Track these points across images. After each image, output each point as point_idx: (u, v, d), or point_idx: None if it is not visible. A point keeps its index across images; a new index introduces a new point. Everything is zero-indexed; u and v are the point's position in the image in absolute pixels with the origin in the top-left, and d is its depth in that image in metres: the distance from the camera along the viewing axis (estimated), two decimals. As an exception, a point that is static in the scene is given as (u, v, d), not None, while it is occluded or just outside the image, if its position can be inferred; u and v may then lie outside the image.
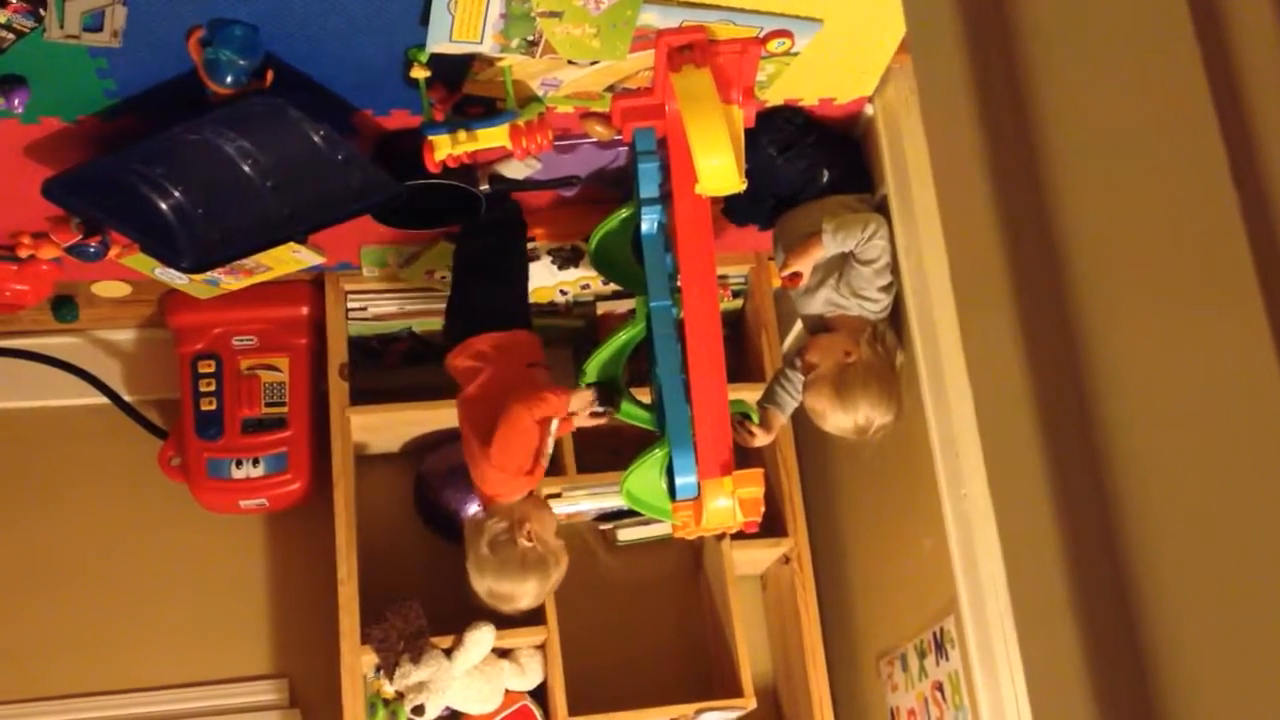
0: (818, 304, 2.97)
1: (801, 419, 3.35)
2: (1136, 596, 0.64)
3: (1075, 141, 0.69)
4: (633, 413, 3.05)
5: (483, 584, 2.99)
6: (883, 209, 2.98)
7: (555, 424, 3.07)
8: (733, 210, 3.24)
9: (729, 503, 2.76)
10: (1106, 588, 0.65)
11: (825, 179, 3.03)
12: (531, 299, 3.41)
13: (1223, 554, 0.59)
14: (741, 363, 3.76)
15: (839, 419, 2.87)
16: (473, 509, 3.61)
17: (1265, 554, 0.56)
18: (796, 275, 2.95)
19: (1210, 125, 0.55)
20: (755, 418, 3.13)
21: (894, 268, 2.89)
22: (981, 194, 0.72)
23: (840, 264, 2.91)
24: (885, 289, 2.89)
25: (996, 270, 0.71)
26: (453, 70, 2.65)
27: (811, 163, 3.02)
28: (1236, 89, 0.55)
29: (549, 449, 3.06)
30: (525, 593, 2.99)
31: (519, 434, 2.90)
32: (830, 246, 2.87)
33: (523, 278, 3.27)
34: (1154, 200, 0.62)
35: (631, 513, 3.47)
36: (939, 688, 2.96)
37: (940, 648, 2.93)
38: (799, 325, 3.26)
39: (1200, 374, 0.59)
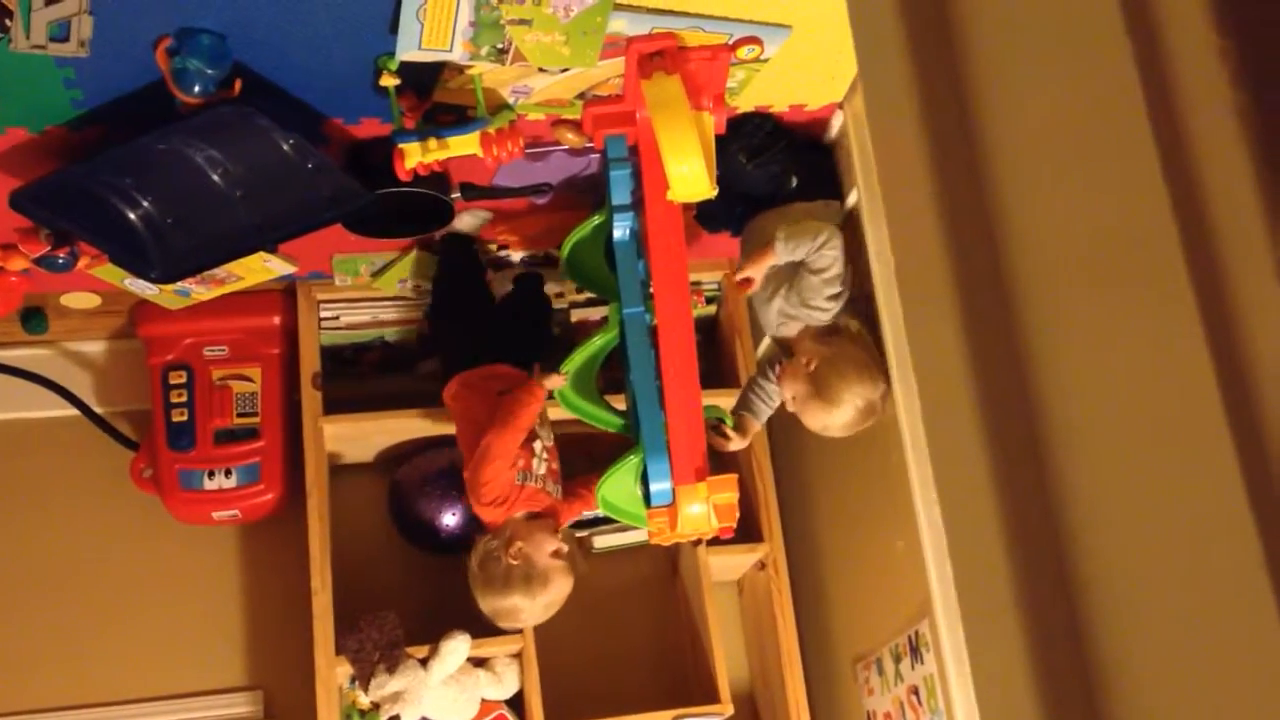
0: (772, 314, 2.99)
1: (775, 424, 3.36)
2: (1079, 590, 0.66)
3: (1015, 145, 0.70)
4: (607, 419, 3.05)
5: (479, 602, 3.08)
6: (851, 215, 2.99)
7: (540, 446, 3.10)
8: (705, 217, 3.25)
9: (704, 508, 2.77)
10: (1050, 583, 0.66)
11: (794, 184, 3.04)
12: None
13: (1159, 548, 0.60)
14: (716, 369, 3.76)
15: (840, 417, 2.86)
16: (448, 518, 3.61)
17: (1200, 547, 0.57)
18: (748, 280, 2.97)
19: (1143, 128, 0.57)
20: (730, 423, 3.14)
21: (845, 278, 2.89)
22: (926, 196, 0.73)
23: (792, 274, 2.92)
24: (834, 298, 2.89)
25: (940, 271, 0.72)
26: (423, 78, 2.65)
27: (782, 169, 3.03)
28: (1167, 93, 0.57)
29: (538, 469, 3.09)
30: (512, 608, 3.05)
31: (490, 464, 2.98)
32: (782, 254, 2.88)
33: (478, 312, 3.33)
34: (1091, 200, 0.64)
35: (607, 520, 3.47)
36: (915, 691, 2.96)
37: (915, 651, 2.93)
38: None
39: (1136, 366, 0.60)
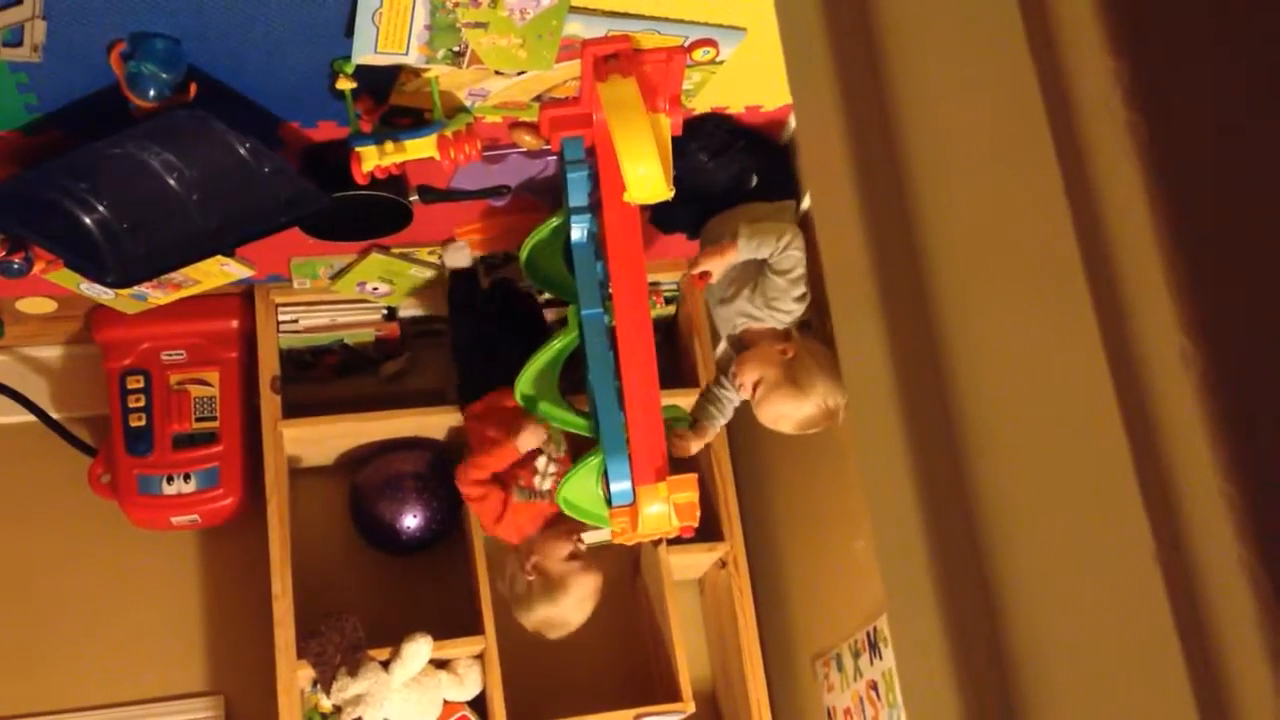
0: (733, 315, 2.97)
1: (735, 424, 3.38)
2: (992, 574, 0.69)
3: (931, 157, 0.73)
4: (568, 420, 3.06)
5: (520, 621, 3.21)
6: (807, 218, 3.00)
7: (545, 462, 3.13)
8: (661, 218, 3.26)
9: (664, 508, 2.77)
10: (966, 568, 0.69)
11: (753, 184, 3.04)
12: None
13: (1062, 535, 0.64)
14: (675, 369, 3.78)
15: (803, 410, 2.81)
16: (408, 520, 3.61)
17: (1096, 532, 0.61)
18: (706, 273, 2.93)
19: (1045, 140, 0.60)
20: (689, 424, 3.15)
21: (810, 279, 2.87)
22: (851, 206, 0.76)
23: (755, 275, 2.91)
24: (799, 299, 2.87)
25: (866, 276, 0.75)
26: (379, 81, 2.65)
27: (741, 167, 3.03)
28: (1067, 109, 0.60)
29: (541, 485, 3.13)
30: (544, 621, 3.16)
31: (468, 500, 3.18)
32: (744, 251, 2.85)
33: (478, 352, 3.40)
34: (1000, 211, 0.67)
35: (568, 520, 3.47)
36: (874, 686, 2.99)
37: (874, 647, 2.96)
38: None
39: (1040, 365, 0.65)
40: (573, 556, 3.15)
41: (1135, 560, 0.55)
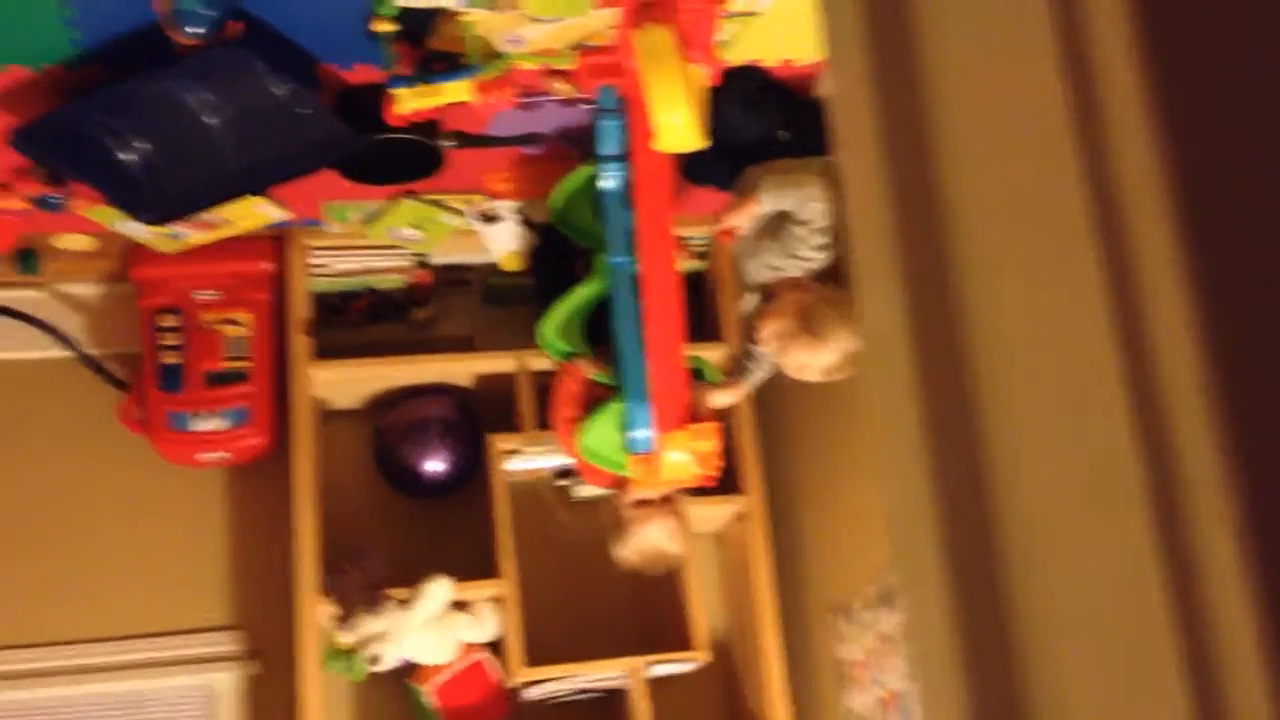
0: (759, 268, 2.95)
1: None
2: (1000, 550, 0.73)
3: (957, 137, 0.76)
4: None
5: None
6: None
7: None
8: (693, 170, 3.26)
9: (685, 455, 2.81)
10: (973, 537, 0.73)
11: (785, 138, 3.05)
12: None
13: (1071, 506, 0.68)
14: (703, 322, 3.79)
15: (825, 358, 2.77)
16: (430, 465, 3.66)
17: (1097, 502, 0.64)
18: (733, 228, 2.90)
19: (1065, 132, 0.64)
20: (711, 377, 3.16)
21: (836, 230, 2.85)
22: (878, 179, 0.79)
23: (779, 227, 2.90)
24: (819, 248, 2.83)
25: (889, 249, 0.77)
26: (417, 25, 2.68)
27: (772, 121, 3.03)
28: (1090, 99, 0.63)
29: None
30: (623, 560, 3.29)
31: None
32: (767, 203, 2.83)
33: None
34: (1019, 191, 0.71)
35: (589, 468, 3.51)
36: (885, 639, 3.03)
37: (886, 600, 3.00)
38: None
39: (1052, 342, 0.69)
40: (640, 504, 3.22)
41: (1132, 536, 0.58)
